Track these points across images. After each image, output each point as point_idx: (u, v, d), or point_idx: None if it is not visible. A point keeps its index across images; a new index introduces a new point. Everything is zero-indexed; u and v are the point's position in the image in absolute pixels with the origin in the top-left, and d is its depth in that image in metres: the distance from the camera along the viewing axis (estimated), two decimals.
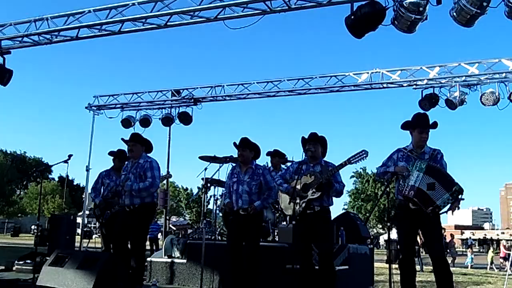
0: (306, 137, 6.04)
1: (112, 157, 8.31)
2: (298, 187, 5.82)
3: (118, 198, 7.28)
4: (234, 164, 7.03)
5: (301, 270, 5.87)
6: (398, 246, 5.65)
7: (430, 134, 5.57)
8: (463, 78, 11.16)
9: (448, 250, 22.51)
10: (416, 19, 6.68)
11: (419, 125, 5.55)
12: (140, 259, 6.72)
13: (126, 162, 6.98)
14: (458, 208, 5.21)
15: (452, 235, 28.12)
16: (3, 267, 9.14)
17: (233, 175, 6.61)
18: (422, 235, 5.52)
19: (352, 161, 5.69)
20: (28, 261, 8.84)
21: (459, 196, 5.16)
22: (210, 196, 8.50)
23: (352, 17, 6.83)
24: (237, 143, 6.56)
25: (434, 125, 5.59)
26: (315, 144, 5.95)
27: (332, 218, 6.45)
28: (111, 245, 6.89)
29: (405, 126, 5.69)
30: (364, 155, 5.63)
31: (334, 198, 6.02)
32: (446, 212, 5.24)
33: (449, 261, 21.13)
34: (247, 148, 6.49)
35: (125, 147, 7.08)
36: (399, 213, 5.54)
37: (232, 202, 6.48)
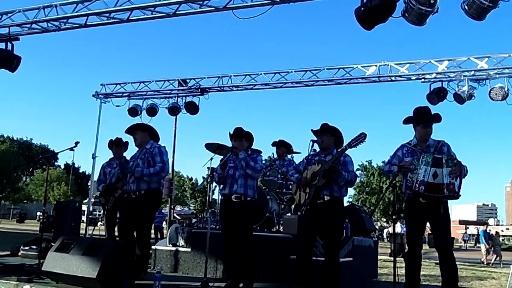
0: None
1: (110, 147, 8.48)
2: (308, 176, 5.80)
3: (122, 182, 7.30)
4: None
5: (297, 260, 5.85)
6: (406, 239, 5.63)
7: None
8: (472, 73, 11.10)
9: (492, 248, 21.18)
10: (426, 12, 6.62)
11: (422, 120, 5.52)
12: (146, 247, 6.75)
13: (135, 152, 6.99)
14: (462, 174, 5.14)
15: (496, 232, 25.69)
16: (8, 253, 9.21)
17: (228, 161, 6.58)
18: (430, 229, 5.50)
19: (352, 145, 5.62)
20: (34, 246, 8.90)
21: (455, 162, 5.14)
22: (215, 186, 8.49)
23: (362, 8, 6.79)
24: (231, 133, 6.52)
25: (438, 118, 5.55)
26: (323, 135, 5.92)
27: None
28: (117, 232, 6.91)
29: (408, 121, 5.65)
30: (363, 138, 5.57)
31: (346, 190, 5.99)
32: (460, 184, 5.17)
33: (493, 259, 20.56)
34: (243, 137, 6.49)
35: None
36: (408, 207, 5.51)
37: (226, 187, 6.47)
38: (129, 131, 6.93)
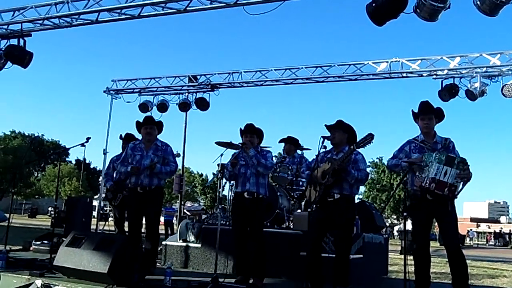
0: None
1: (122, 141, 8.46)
2: (319, 175, 5.78)
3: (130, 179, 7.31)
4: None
5: (307, 257, 5.85)
6: (412, 237, 5.61)
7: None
8: (484, 69, 10.99)
9: None
10: (438, 7, 6.58)
11: (420, 112, 5.54)
12: (156, 241, 6.80)
13: (135, 143, 7.00)
14: (468, 179, 5.19)
15: None
16: (20, 247, 9.27)
17: (238, 158, 6.59)
18: (438, 227, 5.47)
19: (360, 145, 5.64)
20: (45, 241, 8.98)
21: (465, 166, 5.16)
22: (225, 182, 8.50)
23: (374, 4, 6.76)
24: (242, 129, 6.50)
25: (438, 111, 5.55)
26: (336, 131, 5.89)
27: None
28: (128, 227, 6.94)
29: (413, 117, 5.66)
30: (370, 139, 5.57)
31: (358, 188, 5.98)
32: (461, 188, 5.21)
33: None
34: (254, 134, 6.47)
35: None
36: (414, 204, 5.49)
37: (238, 185, 6.47)
38: (151, 122, 6.94)
